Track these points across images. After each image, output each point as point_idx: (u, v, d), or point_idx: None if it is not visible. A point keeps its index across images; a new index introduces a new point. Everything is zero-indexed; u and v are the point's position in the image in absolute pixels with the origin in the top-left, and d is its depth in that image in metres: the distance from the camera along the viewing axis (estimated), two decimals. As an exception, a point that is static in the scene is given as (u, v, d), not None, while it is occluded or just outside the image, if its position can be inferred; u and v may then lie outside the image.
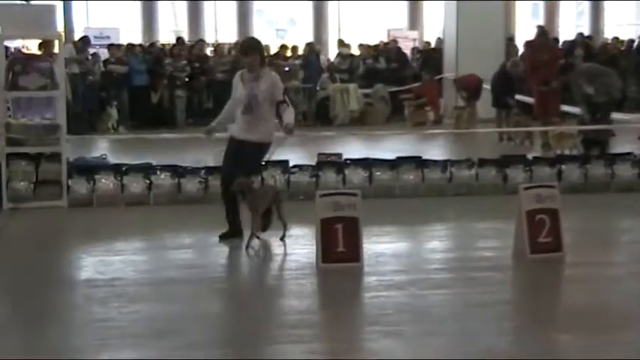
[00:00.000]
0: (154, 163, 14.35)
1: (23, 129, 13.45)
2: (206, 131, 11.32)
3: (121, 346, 7.21)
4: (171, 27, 39.00)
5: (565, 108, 19.79)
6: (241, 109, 10.71)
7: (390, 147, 18.60)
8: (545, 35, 21.17)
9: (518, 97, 21.17)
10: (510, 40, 28.12)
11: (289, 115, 10.84)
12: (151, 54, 26.35)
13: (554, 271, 10.09)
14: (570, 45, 28.43)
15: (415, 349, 7.11)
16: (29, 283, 9.29)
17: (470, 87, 23.63)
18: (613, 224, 13.13)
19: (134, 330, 7.65)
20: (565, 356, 7.04)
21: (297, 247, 10.23)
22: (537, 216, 10.73)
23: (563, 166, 15.10)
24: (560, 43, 28.52)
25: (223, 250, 10.44)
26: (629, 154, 15.84)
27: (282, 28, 39.68)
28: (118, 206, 13.53)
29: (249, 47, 11.03)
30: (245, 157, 10.67)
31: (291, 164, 14.21)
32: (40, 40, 15.90)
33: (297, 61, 27.08)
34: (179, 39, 28.68)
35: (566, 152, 17.30)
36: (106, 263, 9.96)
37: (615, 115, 19.15)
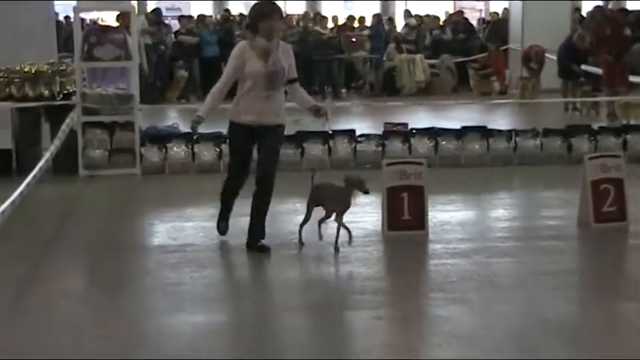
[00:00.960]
0: (224, 132, 14.41)
1: (98, 98, 13.58)
2: (194, 123, 8.89)
3: (193, 310, 7.27)
4: (241, -2, 39.04)
5: (632, 79, 19.53)
6: (263, 87, 8.53)
7: (455, 117, 18.47)
8: (603, 13, 21.11)
9: (584, 67, 20.96)
10: (577, 11, 27.67)
11: (307, 96, 9.27)
12: (221, 25, 26.44)
13: (618, 240, 9.97)
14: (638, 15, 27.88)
15: (481, 316, 7.08)
16: (104, 249, 9.42)
17: (537, 58, 23.41)
18: (679, 194, 12.92)
19: (205, 294, 7.71)
20: (632, 324, 6.96)
21: (364, 214, 10.21)
22: (602, 185, 10.60)
23: (628, 136, 14.84)
24: (630, 14, 27.95)
25: (292, 217, 10.45)
26: (695, 123, 15.62)
27: (350, -1, 39.58)
28: (189, 174, 13.63)
29: (279, 11, 9.09)
30: (272, 145, 8.77)
31: (357, 133, 14.21)
32: (118, 13, 15.94)
33: (365, 32, 26.93)
34: (249, 10, 28.61)
35: (632, 122, 17.02)
36: (177, 229, 10.05)
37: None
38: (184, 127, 15.38)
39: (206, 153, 13.80)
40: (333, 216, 8.80)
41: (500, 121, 18.15)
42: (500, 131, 14.93)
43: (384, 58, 26.24)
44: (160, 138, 14.13)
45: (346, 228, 8.71)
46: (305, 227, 8.94)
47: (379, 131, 14.33)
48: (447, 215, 10.49)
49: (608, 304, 7.50)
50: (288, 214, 10.65)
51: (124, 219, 11.06)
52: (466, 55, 27.20)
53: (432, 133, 14.54)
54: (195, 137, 13.76)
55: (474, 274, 8.14)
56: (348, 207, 8.73)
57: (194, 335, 6.63)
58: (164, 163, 13.74)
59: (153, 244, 9.79)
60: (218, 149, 13.72)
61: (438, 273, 8.11)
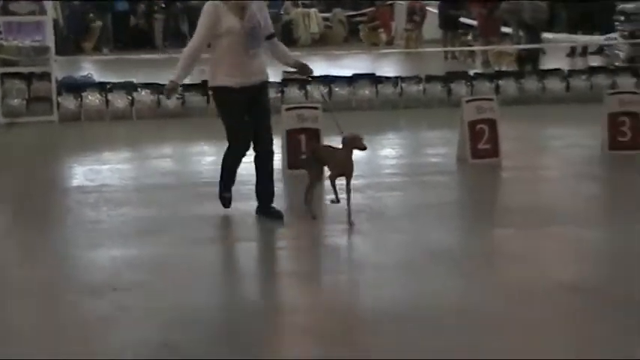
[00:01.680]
0: (136, 81, 14.28)
1: (15, 50, 13.38)
2: (169, 90, 7.64)
3: (111, 245, 7.19)
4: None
5: (504, 30, 20.00)
6: (243, 45, 7.32)
7: (347, 65, 18.53)
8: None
9: (462, 19, 21.38)
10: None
11: (288, 52, 8.15)
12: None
13: (492, 173, 10.17)
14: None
15: (374, 244, 7.16)
16: (26, 190, 9.24)
17: (420, 12, 23.76)
18: (544, 132, 13.22)
19: (122, 230, 7.64)
20: (506, 248, 7.12)
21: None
22: (478, 126, 10.80)
23: (500, 81, 15.37)
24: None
25: (201, 158, 10.39)
26: (557, 69, 16.11)
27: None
28: (104, 120, 13.49)
29: None
30: (265, 106, 7.67)
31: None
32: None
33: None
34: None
35: (504, 68, 17.43)
36: (94, 172, 9.91)
37: (545, 35, 19.30)
38: (98, 77, 15.20)
39: (119, 101, 13.71)
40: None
41: (388, 68, 18.37)
42: (387, 78, 15.32)
43: (281, 12, 26.15)
44: (76, 87, 13.97)
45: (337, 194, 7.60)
46: (214, 166, 8.79)
47: (278, 79, 14.28)
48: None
49: (486, 230, 7.65)
50: (197, 155, 10.59)
51: (44, 163, 10.87)
52: (356, 9, 27.51)
53: (327, 80, 14.65)
54: (108, 86, 13.69)
55: (366, 207, 8.21)
56: (352, 169, 7.58)
57: (113, 268, 6.56)
58: (80, 110, 13.62)
59: (72, 186, 9.65)
60: (130, 97, 13.70)
61: (334, 207, 8.17)
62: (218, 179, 7.88)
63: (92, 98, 13.68)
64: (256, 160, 7.61)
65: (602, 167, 10.35)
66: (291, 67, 7.86)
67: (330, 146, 7.96)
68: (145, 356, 4.68)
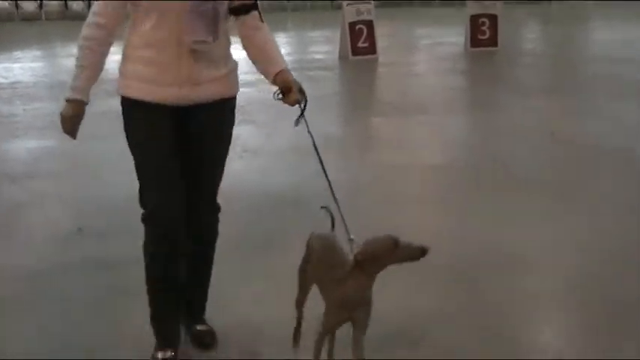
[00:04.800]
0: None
1: None
2: (70, 116, 3.02)
3: (26, 137, 6.97)
4: None
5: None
6: (182, 32, 2.89)
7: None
8: None
9: None
10: None
11: (275, 48, 3.18)
12: None
13: (370, 69, 10.19)
14: None
15: (267, 133, 7.13)
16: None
17: None
18: (415, 32, 13.26)
19: (37, 124, 7.39)
20: (383, 134, 7.19)
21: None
22: (357, 26, 10.81)
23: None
24: None
25: (109, 57, 10.07)
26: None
27: None
28: (14, 22, 12.90)
29: None
30: (213, 143, 3.14)
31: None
32: None
33: None
34: None
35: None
36: (7, 69, 9.55)
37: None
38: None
39: (28, 3, 13.12)
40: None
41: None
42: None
43: None
44: (-14, -9, 13.25)
45: None
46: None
47: None
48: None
49: (365, 119, 7.70)
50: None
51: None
52: None
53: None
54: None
55: (260, 99, 8.13)
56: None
57: (29, 159, 6.38)
58: (-9, 12, 12.95)
59: (-14, 83, 9.27)
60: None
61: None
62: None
63: (2, 1, 13.06)
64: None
65: (465, 62, 10.51)
66: (272, 82, 3.09)
67: (335, 252, 2.80)
68: (60, 239, 4.60)
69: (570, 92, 8.86)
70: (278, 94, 3.00)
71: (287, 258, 3.89)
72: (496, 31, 11.13)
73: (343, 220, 2.64)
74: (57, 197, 5.41)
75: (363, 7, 10.88)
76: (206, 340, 3.25)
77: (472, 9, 11.24)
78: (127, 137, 3.01)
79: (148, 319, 3.02)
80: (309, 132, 3.08)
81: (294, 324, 3.00)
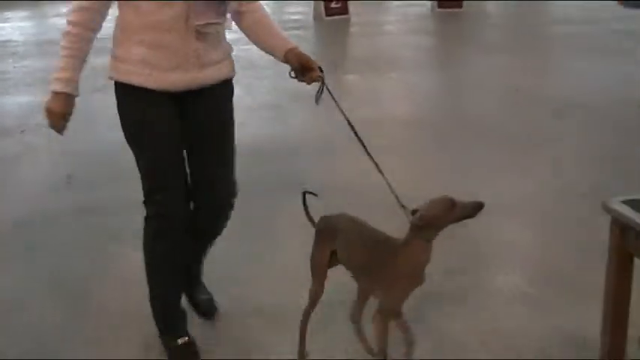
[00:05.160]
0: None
1: None
2: (58, 111, 2.52)
3: (17, 93, 6.86)
4: None
5: None
6: (182, 16, 2.44)
7: None
8: None
9: None
10: None
11: (276, 28, 2.81)
12: None
13: (343, 29, 10.09)
14: None
15: (246, 89, 7.04)
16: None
17: None
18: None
19: (27, 80, 7.26)
20: (355, 90, 7.14)
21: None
22: None
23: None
24: None
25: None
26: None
27: None
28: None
29: None
30: (220, 128, 2.70)
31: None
32: None
33: None
34: None
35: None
36: (-2, 28, 9.34)
37: None
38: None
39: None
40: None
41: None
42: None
43: None
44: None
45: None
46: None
47: None
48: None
49: (338, 77, 7.64)
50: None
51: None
52: None
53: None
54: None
55: (237, 57, 8.03)
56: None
57: (20, 113, 6.27)
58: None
59: (-22, 41, 9.08)
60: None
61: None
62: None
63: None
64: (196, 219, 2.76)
65: (432, 22, 10.43)
66: (283, 60, 2.70)
67: (368, 227, 2.42)
68: (51, 188, 4.54)
69: (533, 51, 8.85)
70: (292, 73, 2.63)
71: (265, 202, 3.87)
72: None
73: (392, 189, 2.37)
74: (47, 150, 5.33)
75: None
76: (211, 310, 2.97)
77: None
78: (126, 128, 2.53)
79: (138, 264, 2.99)
80: (344, 116, 2.67)
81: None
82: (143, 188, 2.55)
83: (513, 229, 3.70)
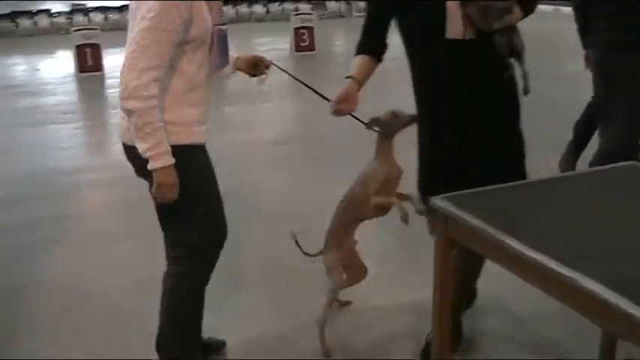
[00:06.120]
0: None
1: None
2: (174, 182, 2.05)
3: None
4: None
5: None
6: (212, 64, 2.19)
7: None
8: None
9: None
10: None
11: None
12: None
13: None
14: None
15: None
16: None
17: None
18: (253, 42, 13.06)
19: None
20: (230, 119, 7.01)
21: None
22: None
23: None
24: None
25: None
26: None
27: None
28: None
29: None
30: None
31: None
32: None
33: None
34: None
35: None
36: None
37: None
38: None
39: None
40: None
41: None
42: None
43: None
44: None
45: None
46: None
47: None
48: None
49: (217, 107, 7.49)
50: None
51: None
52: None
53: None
54: None
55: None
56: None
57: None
58: None
59: None
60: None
61: (113, 97, 7.61)
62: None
63: None
64: None
65: (291, 62, 10.47)
66: (235, 69, 2.53)
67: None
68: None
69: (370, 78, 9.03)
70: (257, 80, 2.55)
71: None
72: (313, 39, 11.22)
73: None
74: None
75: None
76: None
77: (293, 23, 11.24)
78: (190, 186, 2.09)
79: (59, 272, 2.79)
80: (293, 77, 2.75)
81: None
82: (189, 245, 2.19)
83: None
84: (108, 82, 8.86)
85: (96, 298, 3.01)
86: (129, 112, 1.95)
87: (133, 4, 2.01)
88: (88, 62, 9.20)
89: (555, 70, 8.69)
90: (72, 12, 14.78)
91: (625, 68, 3.40)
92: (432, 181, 2.29)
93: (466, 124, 2.21)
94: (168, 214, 2.16)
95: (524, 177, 2.23)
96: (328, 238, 2.46)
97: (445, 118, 2.24)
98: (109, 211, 4.30)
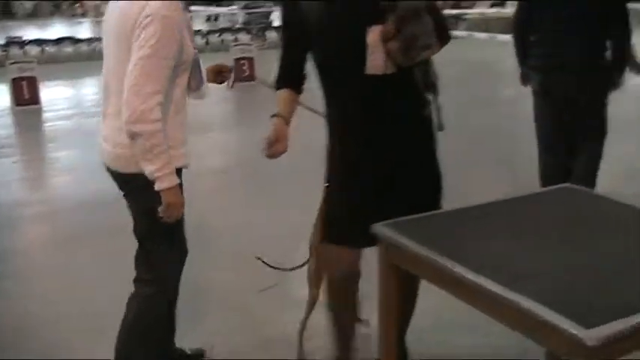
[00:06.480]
0: None
1: None
2: (182, 201, 2.16)
3: None
4: None
5: None
6: (196, 88, 2.28)
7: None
8: None
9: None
10: None
11: None
12: None
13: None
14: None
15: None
16: None
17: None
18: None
19: None
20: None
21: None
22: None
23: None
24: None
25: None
26: (199, 30, 15.81)
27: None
28: None
29: None
30: None
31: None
32: None
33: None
34: None
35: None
36: None
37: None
38: None
39: None
40: None
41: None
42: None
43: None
44: None
45: None
46: None
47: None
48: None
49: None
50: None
51: None
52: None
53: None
54: None
55: (74, 130, 7.59)
56: None
57: None
58: None
59: None
60: None
61: (50, 131, 7.42)
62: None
63: None
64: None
65: (229, 93, 10.38)
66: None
67: None
68: None
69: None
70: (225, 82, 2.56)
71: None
72: (253, 69, 11.14)
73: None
74: None
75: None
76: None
77: (234, 53, 11.18)
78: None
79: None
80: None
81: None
82: (164, 265, 2.24)
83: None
84: (45, 115, 8.63)
85: (39, 332, 2.93)
86: (136, 136, 1.98)
87: (110, 26, 2.08)
88: (25, 95, 8.92)
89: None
90: (7, 44, 14.42)
91: (582, 90, 3.32)
92: (350, 221, 2.15)
93: (384, 159, 2.12)
94: (155, 236, 2.18)
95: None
96: (311, 249, 2.42)
97: (360, 155, 2.15)
98: (50, 244, 4.17)
